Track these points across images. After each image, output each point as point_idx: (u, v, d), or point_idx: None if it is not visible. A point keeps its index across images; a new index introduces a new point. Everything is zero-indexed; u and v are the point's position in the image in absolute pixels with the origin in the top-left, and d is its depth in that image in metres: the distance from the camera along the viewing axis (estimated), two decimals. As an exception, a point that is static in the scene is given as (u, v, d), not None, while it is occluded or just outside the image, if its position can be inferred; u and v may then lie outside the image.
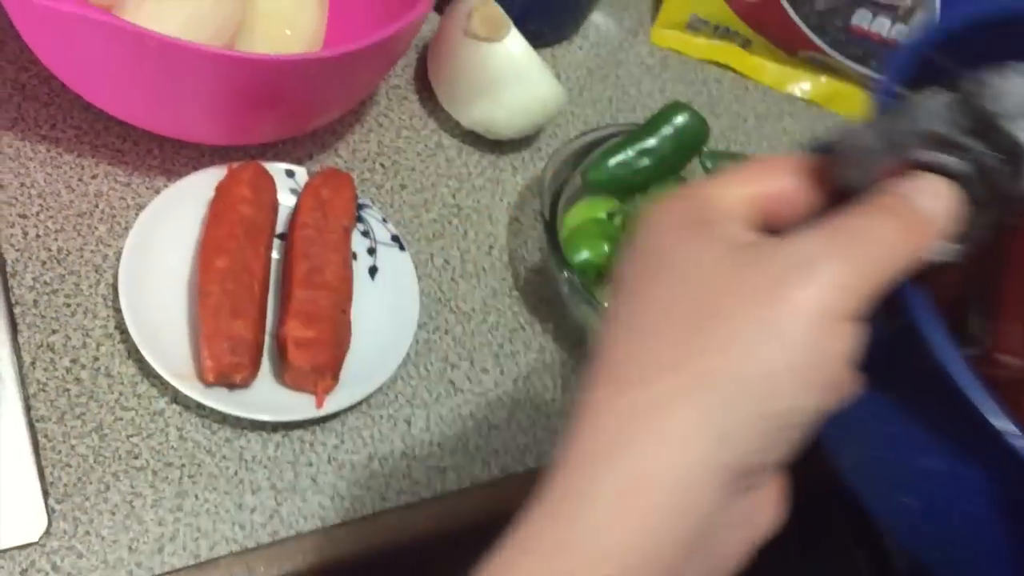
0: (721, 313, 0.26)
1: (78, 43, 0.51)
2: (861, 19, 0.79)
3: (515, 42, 0.64)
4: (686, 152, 0.64)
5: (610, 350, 0.28)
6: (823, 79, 0.84)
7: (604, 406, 0.27)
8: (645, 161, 0.63)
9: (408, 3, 0.57)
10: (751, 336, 0.26)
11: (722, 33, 0.82)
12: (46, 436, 0.50)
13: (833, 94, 0.84)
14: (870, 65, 0.82)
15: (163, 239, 0.55)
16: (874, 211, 0.28)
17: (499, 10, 0.64)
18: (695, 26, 0.81)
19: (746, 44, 0.82)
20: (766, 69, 0.83)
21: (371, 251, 0.60)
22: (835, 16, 0.79)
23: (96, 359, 0.53)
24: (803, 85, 0.84)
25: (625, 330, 0.28)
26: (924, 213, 0.28)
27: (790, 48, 0.82)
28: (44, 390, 0.51)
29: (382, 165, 0.66)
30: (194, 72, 0.50)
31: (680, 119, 0.64)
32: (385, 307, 0.59)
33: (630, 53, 0.80)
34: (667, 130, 0.64)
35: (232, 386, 0.52)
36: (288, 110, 0.56)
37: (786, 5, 0.79)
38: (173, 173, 0.59)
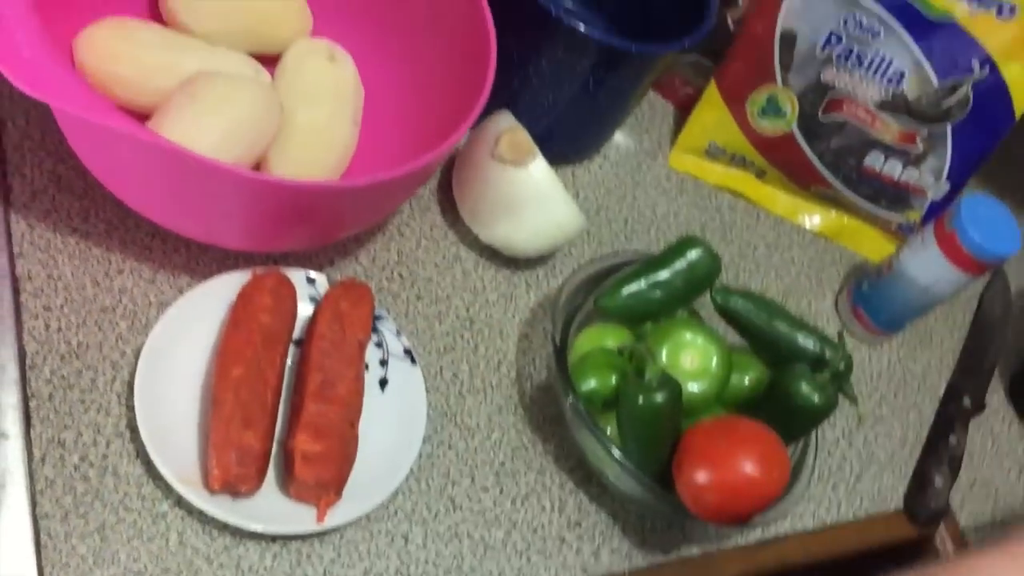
0: None
1: (117, 152, 0.52)
2: (874, 160, 0.81)
3: (539, 168, 0.65)
4: (697, 287, 0.66)
5: None
6: (833, 214, 0.86)
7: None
8: (657, 293, 0.65)
9: (440, 130, 0.59)
10: None
11: (738, 162, 0.84)
12: (49, 535, 0.50)
13: (841, 228, 0.86)
14: (880, 204, 0.84)
15: (182, 341, 0.56)
16: None
17: (527, 136, 0.66)
18: (713, 153, 0.84)
19: (760, 174, 0.84)
20: (778, 200, 0.86)
21: (383, 363, 0.62)
22: (849, 155, 0.81)
23: (105, 457, 0.53)
24: (813, 218, 0.86)
25: None
26: None
27: (803, 182, 0.84)
28: (51, 487, 0.51)
29: (400, 275, 0.67)
30: (227, 190, 0.52)
31: (694, 254, 0.65)
32: (392, 421, 0.59)
33: (648, 175, 0.83)
34: (680, 264, 0.65)
35: (236, 495, 0.53)
36: (315, 228, 0.58)
37: (802, 141, 0.81)
38: (197, 273, 0.61)
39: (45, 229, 0.58)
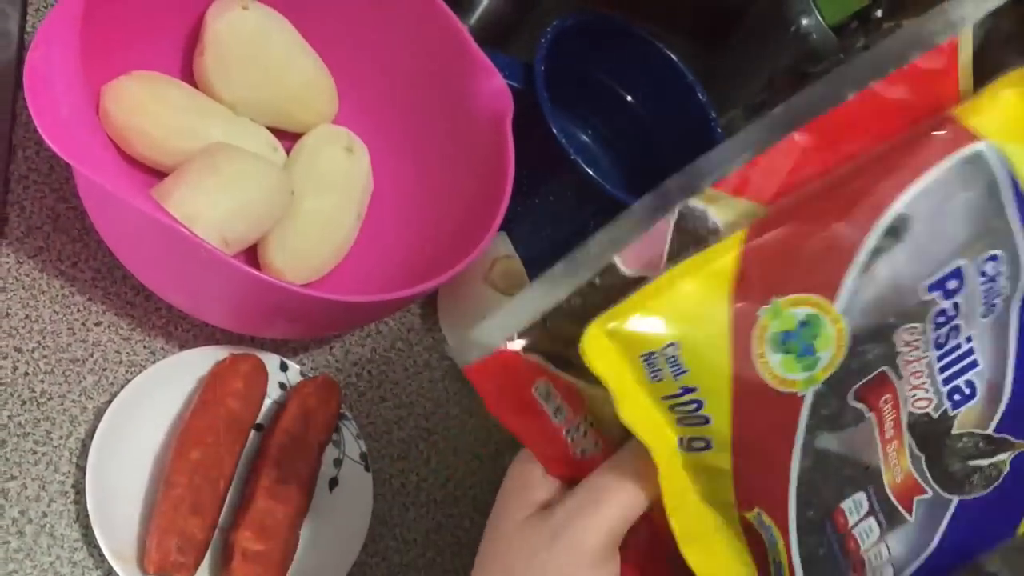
0: None
1: (120, 211, 0.52)
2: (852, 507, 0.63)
3: (526, 301, 0.67)
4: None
5: None
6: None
7: None
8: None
9: (440, 245, 0.61)
10: None
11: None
12: (-29, 588, 0.49)
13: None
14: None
15: (146, 410, 0.56)
16: None
17: (521, 267, 0.68)
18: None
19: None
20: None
21: (337, 462, 0.62)
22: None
23: (45, 516, 0.52)
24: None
25: None
26: None
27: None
28: (-16, 538, 0.50)
29: (369, 372, 0.68)
30: (221, 277, 0.52)
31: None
32: (334, 525, 0.60)
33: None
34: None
35: (169, 580, 0.52)
36: (300, 326, 0.58)
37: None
38: (173, 339, 0.60)
39: (33, 267, 0.58)
